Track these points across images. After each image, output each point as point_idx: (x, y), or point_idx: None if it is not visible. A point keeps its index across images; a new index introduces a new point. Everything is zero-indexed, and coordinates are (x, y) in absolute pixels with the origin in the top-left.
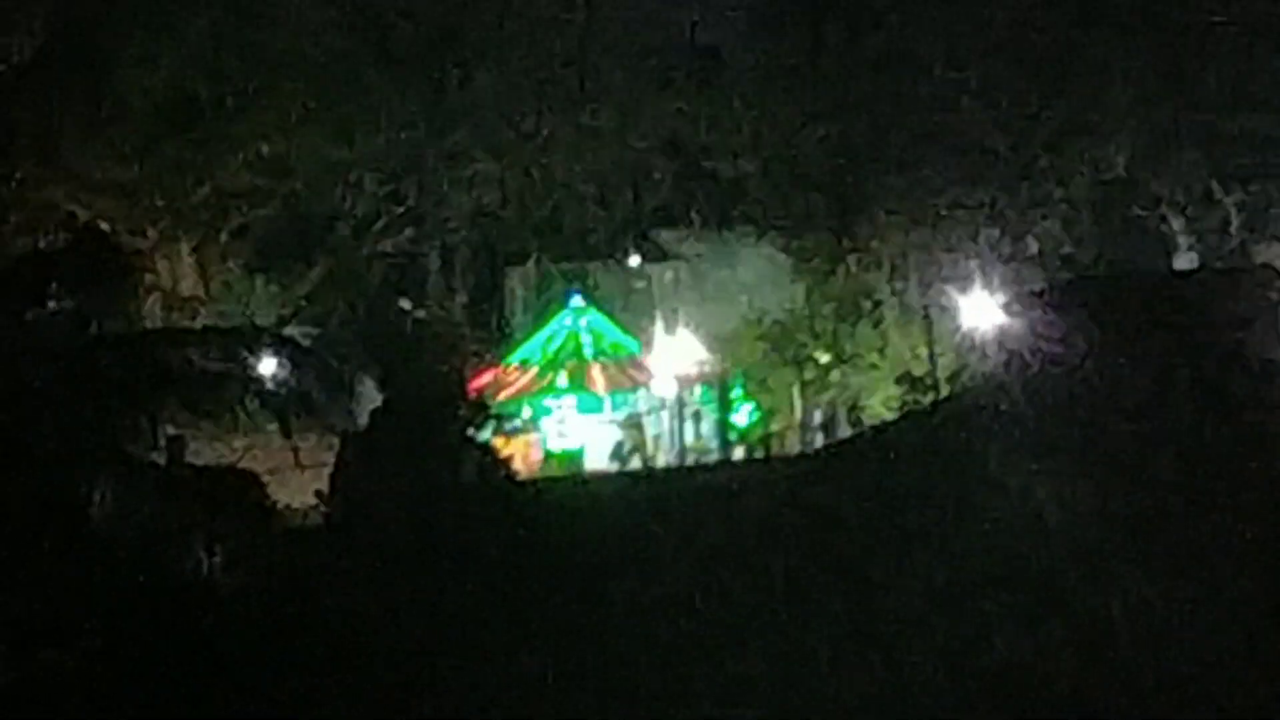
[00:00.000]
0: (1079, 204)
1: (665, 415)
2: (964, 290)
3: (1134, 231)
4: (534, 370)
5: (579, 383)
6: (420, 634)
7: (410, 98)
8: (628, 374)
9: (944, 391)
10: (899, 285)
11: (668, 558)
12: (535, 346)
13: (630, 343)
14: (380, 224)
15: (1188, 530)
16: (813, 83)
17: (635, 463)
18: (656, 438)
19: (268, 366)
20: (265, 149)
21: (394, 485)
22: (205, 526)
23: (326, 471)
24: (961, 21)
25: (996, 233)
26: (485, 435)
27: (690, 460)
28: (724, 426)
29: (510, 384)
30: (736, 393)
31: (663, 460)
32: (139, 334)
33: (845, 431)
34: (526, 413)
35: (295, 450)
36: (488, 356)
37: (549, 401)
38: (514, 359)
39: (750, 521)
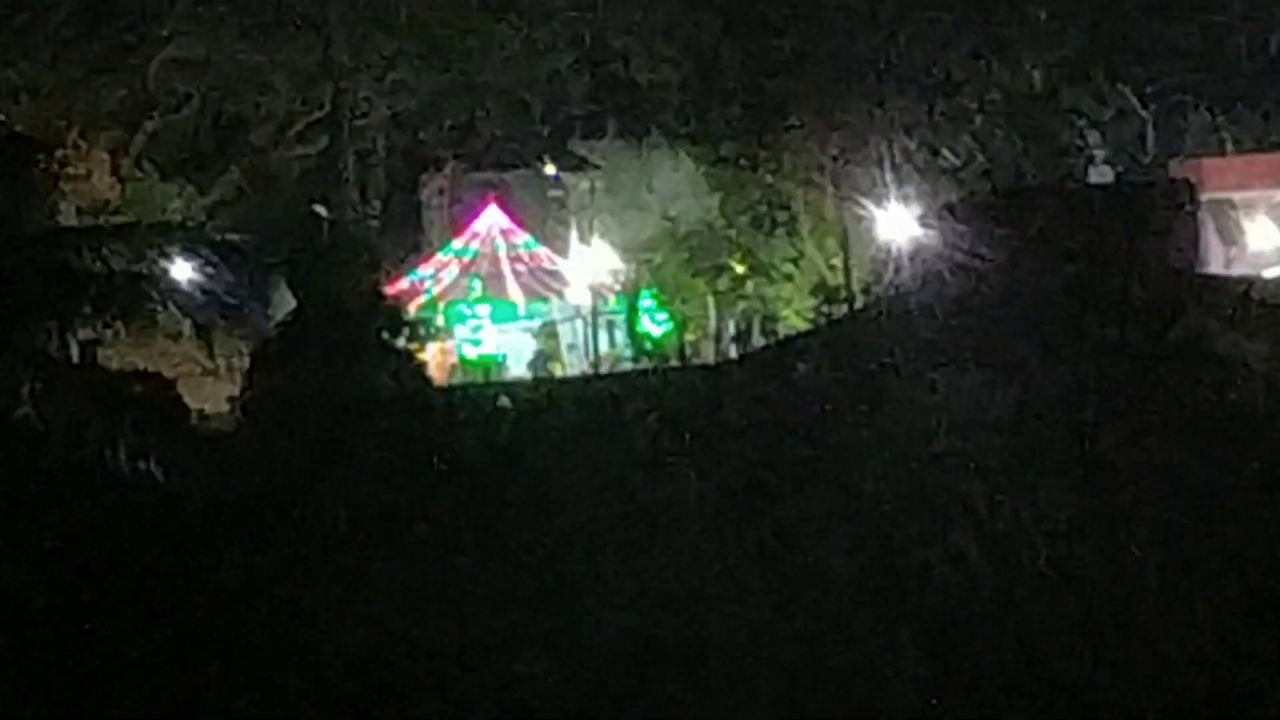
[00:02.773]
0: (995, 117)
1: (580, 324)
2: (880, 203)
3: (1050, 145)
4: (449, 278)
5: (494, 291)
6: (333, 537)
7: (327, 3)
8: (543, 282)
9: (859, 303)
10: (815, 197)
11: (580, 465)
12: (450, 254)
13: (545, 252)
14: (296, 129)
15: (1100, 439)
16: None
17: (549, 371)
18: (571, 347)
19: (183, 270)
20: (182, 52)
21: (308, 391)
22: (119, 430)
23: (240, 376)
24: None
25: (913, 145)
26: (400, 342)
27: (604, 369)
28: (638, 336)
29: (425, 291)
30: (651, 303)
31: (577, 369)
32: (53, 236)
33: (760, 342)
34: (441, 320)
35: (210, 354)
36: (403, 263)
37: (463, 309)
38: (429, 266)
39: (664, 431)
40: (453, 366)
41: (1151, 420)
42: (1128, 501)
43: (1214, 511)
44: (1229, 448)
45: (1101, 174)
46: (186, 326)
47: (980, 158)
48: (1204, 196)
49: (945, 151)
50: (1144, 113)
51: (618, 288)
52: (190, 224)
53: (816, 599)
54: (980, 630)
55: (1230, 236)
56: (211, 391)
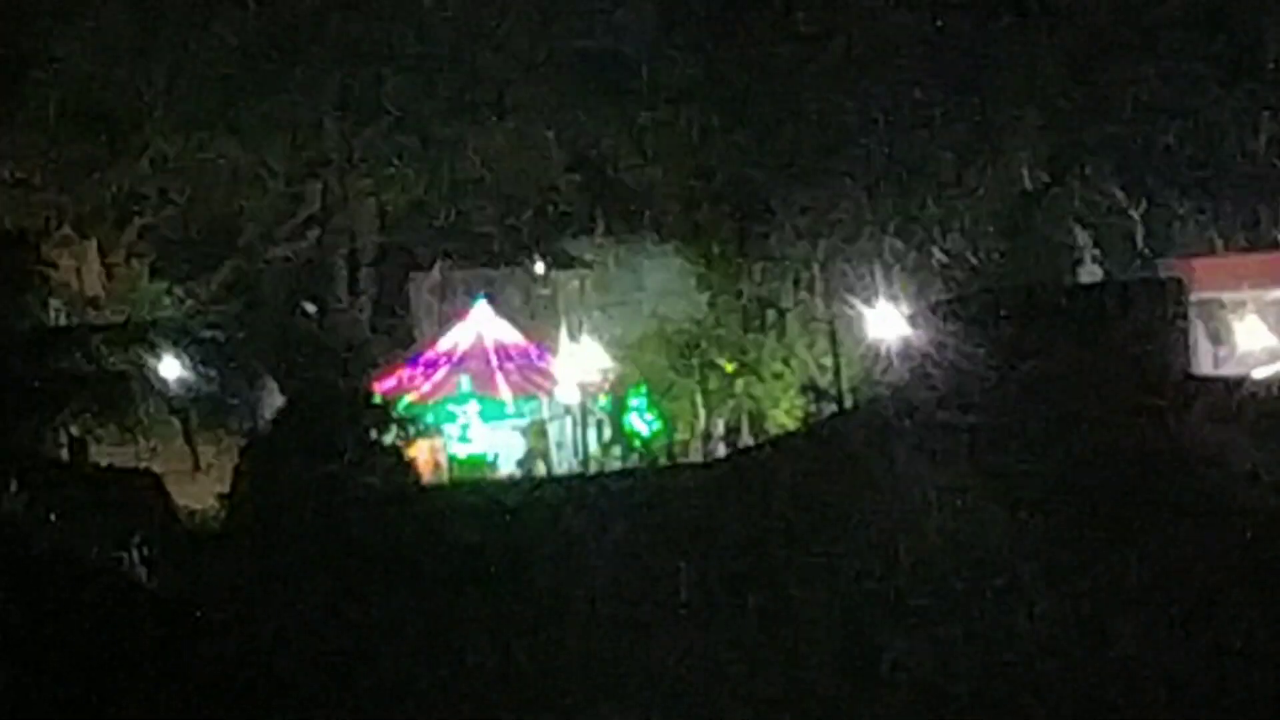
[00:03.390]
0: (985, 215)
1: (569, 423)
2: (869, 301)
3: (1039, 243)
4: (438, 375)
5: (483, 388)
6: (322, 639)
7: (318, 101)
8: (532, 380)
9: (848, 403)
10: (803, 295)
11: (569, 566)
12: (440, 352)
13: (535, 349)
14: (286, 227)
15: (1093, 544)
16: (719, 93)
17: (538, 469)
18: (560, 445)
19: (171, 368)
20: (172, 151)
21: (297, 489)
22: (106, 529)
23: (229, 475)
24: (867, 34)
25: (901, 244)
26: (389, 440)
27: (593, 468)
28: (627, 435)
29: (414, 389)
30: (640, 401)
31: (565, 468)
32: (41, 334)
33: (748, 441)
34: (430, 418)
35: (194, 453)
36: (392, 361)
37: (453, 407)
38: (418, 364)
39: (652, 531)
40: (442, 465)
41: (1141, 522)
42: (1119, 604)
43: (1206, 615)
44: (1220, 550)
45: (1091, 273)
46: (175, 424)
47: (970, 256)
48: (1193, 296)
49: (935, 250)
50: (1133, 212)
51: (606, 386)
52: (179, 322)
53: (806, 701)
54: None
55: (1219, 336)
56: (200, 490)
